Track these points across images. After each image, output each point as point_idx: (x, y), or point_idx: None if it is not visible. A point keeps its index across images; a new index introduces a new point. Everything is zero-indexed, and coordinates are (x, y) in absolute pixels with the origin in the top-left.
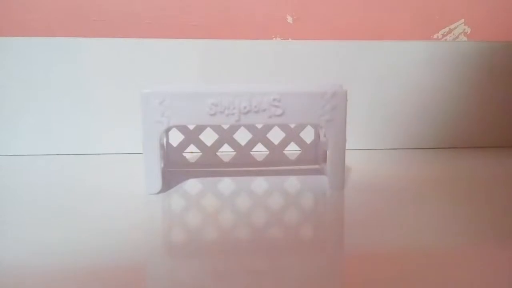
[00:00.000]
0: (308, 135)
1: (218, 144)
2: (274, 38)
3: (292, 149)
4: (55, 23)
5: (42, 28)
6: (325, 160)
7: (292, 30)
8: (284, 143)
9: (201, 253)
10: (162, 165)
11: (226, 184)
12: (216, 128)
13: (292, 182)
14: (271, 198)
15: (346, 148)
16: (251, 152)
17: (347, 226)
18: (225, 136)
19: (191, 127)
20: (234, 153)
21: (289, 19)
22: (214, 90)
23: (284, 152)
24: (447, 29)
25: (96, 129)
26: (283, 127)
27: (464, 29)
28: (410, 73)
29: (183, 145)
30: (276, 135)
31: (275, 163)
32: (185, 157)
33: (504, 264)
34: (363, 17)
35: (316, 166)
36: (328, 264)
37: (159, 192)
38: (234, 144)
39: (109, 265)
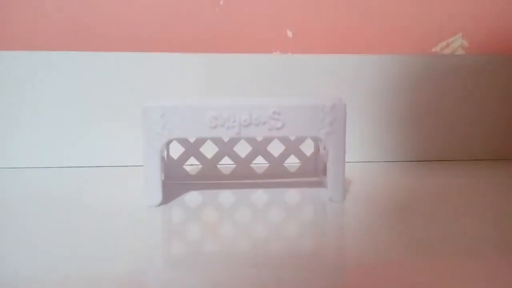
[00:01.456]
0: (308, 147)
1: (218, 157)
2: (274, 52)
3: (292, 162)
4: (55, 37)
5: (42, 42)
6: (325, 173)
7: (292, 44)
8: (284, 155)
9: (201, 265)
10: (163, 177)
11: (226, 196)
12: (217, 141)
13: (292, 194)
14: (271, 211)
15: (346, 160)
16: (251, 165)
17: (347, 238)
18: (225, 149)
19: (191, 140)
20: (234, 165)
21: (289, 34)
22: (215, 103)
23: (284, 164)
24: (445, 42)
25: (97, 142)
26: (283, 139)
27: (462, 43)
28: (408, 86)
29: (183, 158)
30: (276, 148)
31: (275, 175)
32: (185, 169)
33: (506, 275)
34: (362, 31)
35: (316, 179)
36: (328, 276)
37: (159, 204)
38: (234, 156)
39: (109, 277)
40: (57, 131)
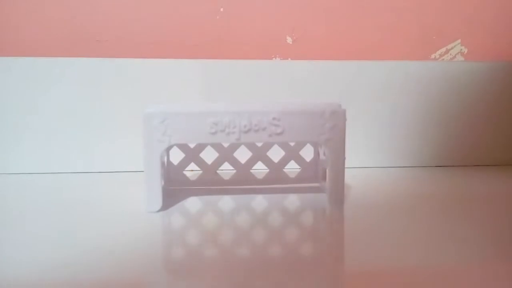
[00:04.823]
0: (308, 153)
1: (218, 162)
2: (274, 58)
3: (292, 167)
4: (57, 43)
5: (44, 48)
6: (324, 178)
7: (292, 51)
8: (284, 161)
9: (201, 272)
10: (163, 183)
11: (226, 202)
12: (217, 147)
13: (292, 200)
14: (271, 216)
15: (346, 166)
16: (251, 170)
17: (347, 244)
18: (226, 155)
19: (191, 145)
20: (235, 171)
21: (289, 40)
22: (215, 109)
23: (284, 170)
24: (444, 49)
25: (97, 147)
26: (283, 145)
27: (461, 49)
28: (407, 93)
29: (183, 163)
30: (276, 153)
31: (275, 181)
32: (185, 175)
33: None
34: (362, 37)
35: (316, 184)
36: (328, 282)
37: (159, 210)
38: (234, 162)
39: (109, 283)
40: (57, 137)
